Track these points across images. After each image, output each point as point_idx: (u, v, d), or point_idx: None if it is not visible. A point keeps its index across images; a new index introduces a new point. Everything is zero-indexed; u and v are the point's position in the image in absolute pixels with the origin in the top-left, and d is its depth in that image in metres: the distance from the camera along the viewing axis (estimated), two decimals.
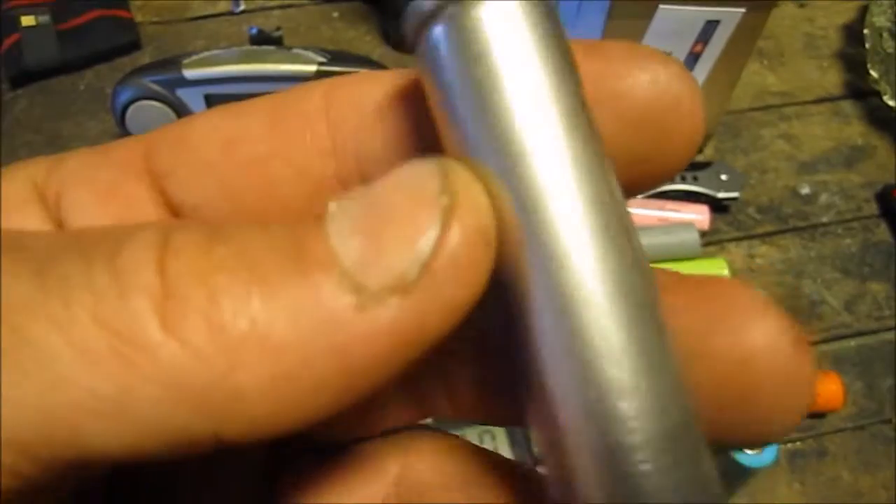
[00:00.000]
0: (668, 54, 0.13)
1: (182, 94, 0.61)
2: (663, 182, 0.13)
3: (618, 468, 0.11)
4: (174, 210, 0.14)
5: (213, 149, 0.13)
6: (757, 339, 0.12)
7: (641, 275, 0.11)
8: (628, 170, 0.12)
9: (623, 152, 0.12)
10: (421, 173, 0.11)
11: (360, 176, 0.13)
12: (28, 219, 0.13)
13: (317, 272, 0.10)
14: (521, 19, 0.11)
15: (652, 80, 0.12)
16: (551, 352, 0.11)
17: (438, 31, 0.12)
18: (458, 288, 0.10)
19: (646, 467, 0.10)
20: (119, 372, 0.09)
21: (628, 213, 0.11)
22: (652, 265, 0.12)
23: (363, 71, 0.15)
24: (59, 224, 0.13)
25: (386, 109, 0.13)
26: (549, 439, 0.11)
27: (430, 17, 0.12)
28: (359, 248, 0.10)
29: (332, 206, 0.11)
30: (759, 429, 0.12)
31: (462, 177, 0.11)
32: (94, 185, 0.13)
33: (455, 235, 0.10)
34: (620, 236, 0.11)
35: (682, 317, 0.12)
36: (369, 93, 0.13)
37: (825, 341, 0.60)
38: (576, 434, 0.11)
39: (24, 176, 0.13)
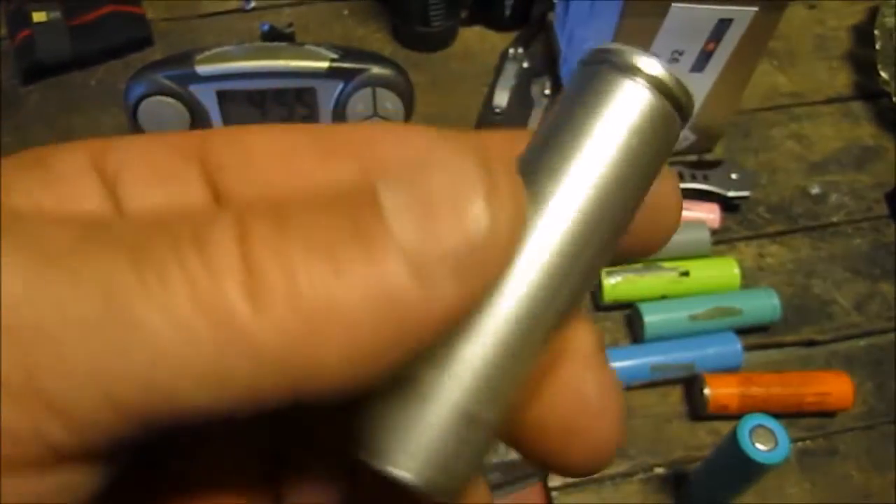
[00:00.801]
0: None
1: (194, 89, 0.61)
2: (638, 258, 0.16)
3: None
4: (220, 200, 0.14)
5: (267, 155, 0.14)
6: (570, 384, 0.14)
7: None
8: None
9: None
10: (467, 165, 0.12)
11: None
12: (89, 191, 0.14)
13: (382, 256, 0.11)
14: (647, 114, 0.13)
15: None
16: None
17: (587, 71, 0.14)
18: (499, 266, 0.12)
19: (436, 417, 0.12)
20: (215, 347, 0.10)
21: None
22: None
23: (409, 125, 0.15)
24: (115, 198, 0.14)
25: None
26: None
27: (591, 62, 0.14)
28: (416, 235, 0.11)
29: (384, 190, 0.11)
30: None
31: (505, 169, 0.12)
32: (151, 165, 0.14)
33: (500, 220, 0.11)
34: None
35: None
36: (415, 141, 0.14)
37: (835, 341, 0.60)
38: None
39: (83, 149, 0.14)
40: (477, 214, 0.11)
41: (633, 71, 0.13)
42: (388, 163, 0.14)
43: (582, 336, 0.14)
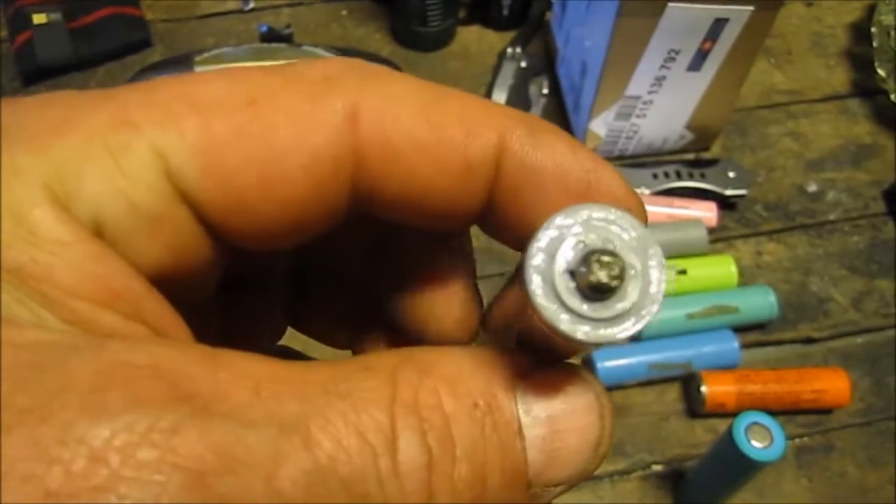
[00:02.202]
0: None
1: None
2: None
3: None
4: (196, 206, 0.14)
5: (241, 169, 0.14)
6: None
7: None
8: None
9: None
10: (591, 420, 0.14)
11: (368, 191, 0.15)
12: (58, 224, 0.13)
13: (515, 483, 0.14)
14: None
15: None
16: None
17: None
18: (578, 482, 0.15)
19: None
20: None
21: None
22: None
23: (395, 74, 0.15)
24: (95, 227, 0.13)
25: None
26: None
27: None
28: (541, 461, 0.14)
29: (522, 406, 0.14)
30: None
31: (609, 421, 0.15)
32: (135, 214, 0.13)
33: (593, 469, 0.15)
34: None
35: None
36: (402, 110, 0.15)
37: (832, 338, 0.60)
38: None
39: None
40: (587, 461, 0.14)
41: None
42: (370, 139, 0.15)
43: None
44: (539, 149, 0.15)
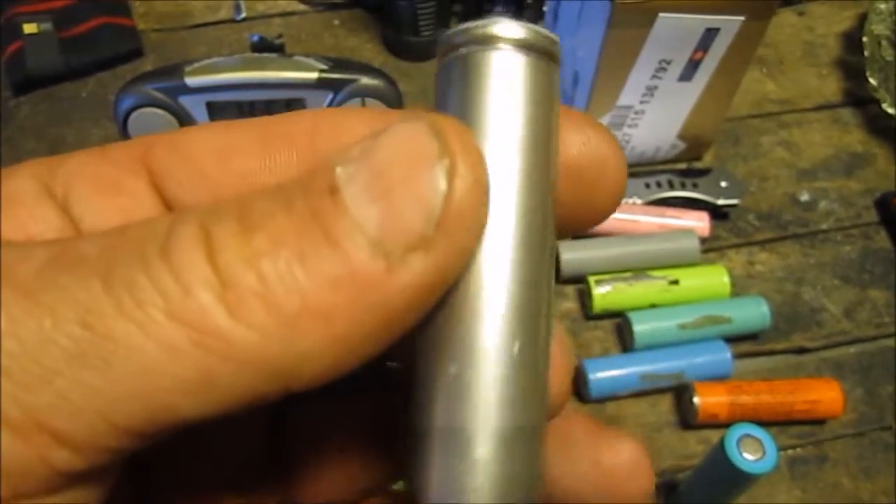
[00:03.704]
0: (598, 123, 0.15)
1: (184, 101, 0.61)
2: (591, 227, 0.16)
3: (460, 449, 0.13)
4: (169, 206, 0.15)
5: (208, 158, 0.15)
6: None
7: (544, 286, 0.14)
8: (560, 214, 0.14)
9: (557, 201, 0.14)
10: (417, 135, 0.12)
11: None
12: (44, 213, 0.14)
13: (346, 243, 0.11)
14: (520, 73, 0.14)
15: (584, 141, 0.14)
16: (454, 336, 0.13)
17: (452, 58, 0.14)
18: (467, 235, 0.12)
19: (482, 453, 0.13)
20: (200, 358, 0.11)
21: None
22: None
23: (351, 106, 0.16)
24: (70, 217, 0.14)
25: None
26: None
27: (451, 49, 0.14)
28: (376, 214, 0.11)
29: (340, 173, 0.12)
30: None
31: (455, 132, 0.12)
32: (98, 181, 0.14)
33: (459, 191, 0.11)
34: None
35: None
36: (354, 127, 0.15)
37: (825, 348, 0.60)
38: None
39: (29, 174, 0.14)
40: (433, 183, 0.11)
41: (495, 41, 0.14)
42: (336, 146, 0.14)
43: None
44: None
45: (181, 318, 0.11)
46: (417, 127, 0.12)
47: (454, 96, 0.14)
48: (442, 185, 0.11)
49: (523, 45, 0.14)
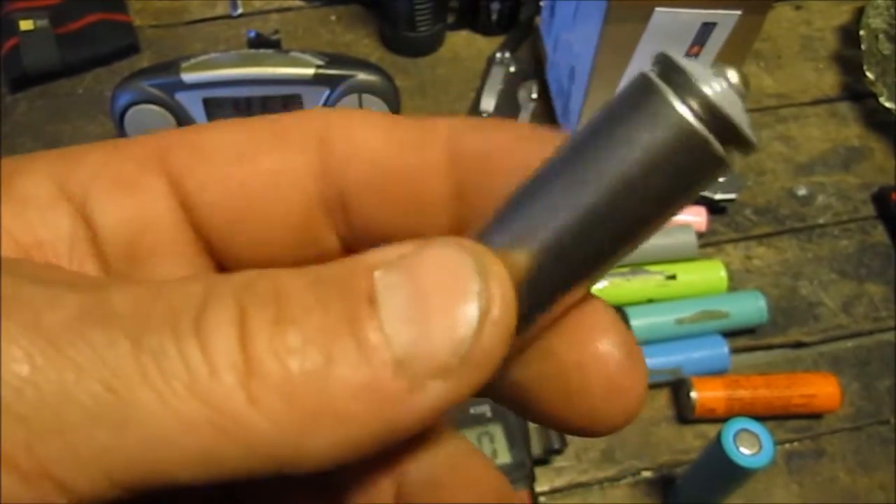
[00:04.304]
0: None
1: (181, 97, 0.61)
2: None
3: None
4: (185, 206, 0.15)
5: (228, 158, 0.15)
6: (593, 349, 0.14)
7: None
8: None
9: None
10: (462, 268, 0.12)
11: (339, 201, 0.15)
12: (57, 218, 0.14)
13: (375, 358, 0.11)
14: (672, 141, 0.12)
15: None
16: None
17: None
18: (487, 370, 0.12)
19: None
20: (212, 437, 0.11)
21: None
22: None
23: (349, 101, 0.16)
24: (85, 216, 0.14)
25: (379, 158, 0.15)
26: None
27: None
28: (407, 335, 0.12)
29: (379, 280, 0.12)
30: (590, 422, 0.14)
31: (495, 272, 0.12)
32: (117, 180, 0.14)
33: (489, 334, 0.12)
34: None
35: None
36: (367, 133, 0.15)
37: (822, 342, 0.60)
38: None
39: (45, 174, 0.14)
40: (467, 320, 0.12)
41: (677, 85, 0.11)
42: (333, 156, 0.15)
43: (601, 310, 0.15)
44: (482, 133, 0.15)
45: (203, 396, 0.11)
46: (463, 259, 0.12)
47: (607, 106, 0.12)
48: (474, 323, 0.12)
49: (704, 113, 0.12)
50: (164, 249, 0.15)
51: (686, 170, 0.12)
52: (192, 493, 0.16)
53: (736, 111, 0.12)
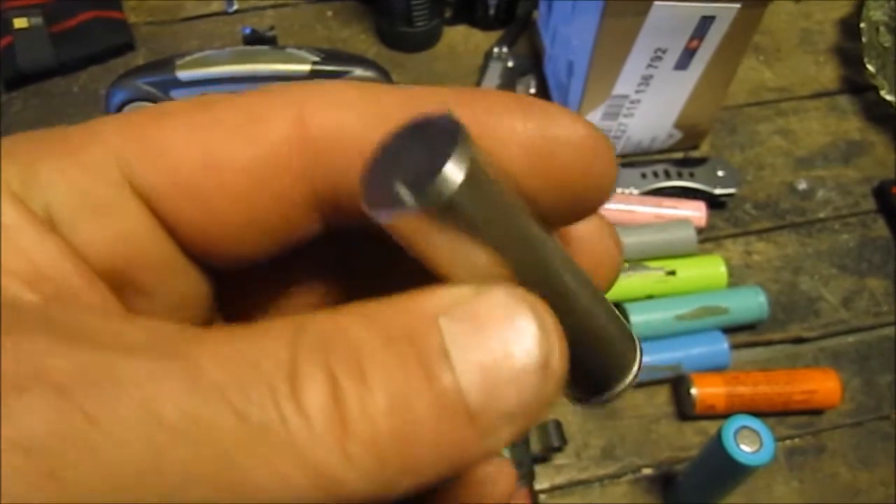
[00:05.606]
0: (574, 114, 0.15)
1: (176, 95, 0.60)
2: (586, 216, 0.16)
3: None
4: (165, 224, 0.15)
5: (194, 170, 0.14)
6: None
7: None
8: (554, 209, 0.15)
9: (549, 196, 0.15)
10: (522, 317, 0.13)
11: (331, 199, 0.15)
12: (48, 246, 0.14)
13: (454, 413, 0.12)
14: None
15: (569, 136, 0.15)
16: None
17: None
18: (542, 416, 0.14)
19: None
20: (310, 494, 0.12)
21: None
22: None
23: (338, 83, 0.15)
24: (64, 237, 0.14)
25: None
26: None
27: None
28: (479, 390, 0.12)
29: (446, 331, 0.13)
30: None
31: (551, 324, 0.13)
32: (84, 201, 0.14)
33: (550, 385, 0.13)
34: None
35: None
36: (347, 99, 0.15)
37: (823, 337, 0.60)
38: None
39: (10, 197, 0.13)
40: (533, 375, 0.13)
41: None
42: (315, 152, 0.15)
43: None
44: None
45: (304, 461, 0.11)
46: (523, 311, 0.13)
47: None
48: (537, 374, 0.13)
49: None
50: (152, 267, 0.15)
51: None
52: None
53: None
